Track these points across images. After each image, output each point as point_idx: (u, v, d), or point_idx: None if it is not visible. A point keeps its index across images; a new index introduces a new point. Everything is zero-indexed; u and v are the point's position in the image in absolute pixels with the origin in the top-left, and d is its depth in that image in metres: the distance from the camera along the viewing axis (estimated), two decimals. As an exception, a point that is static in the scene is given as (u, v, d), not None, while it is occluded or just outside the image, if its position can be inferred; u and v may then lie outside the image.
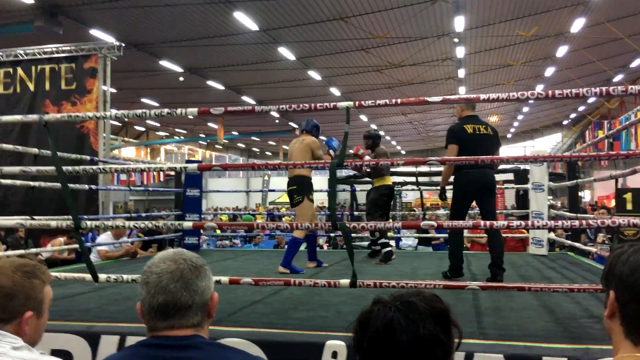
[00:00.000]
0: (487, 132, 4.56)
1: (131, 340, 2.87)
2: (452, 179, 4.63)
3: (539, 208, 6.66)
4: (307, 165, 3.76)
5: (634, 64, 21.02)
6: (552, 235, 6.77)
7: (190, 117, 20.00)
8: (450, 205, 4.59)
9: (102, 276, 3.48)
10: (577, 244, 6.54)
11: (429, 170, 9.93)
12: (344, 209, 20.32)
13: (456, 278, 4.41)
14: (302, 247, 5.73)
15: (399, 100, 3.02)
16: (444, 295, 3.59)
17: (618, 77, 22.91)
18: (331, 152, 5.65)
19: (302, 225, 3.23)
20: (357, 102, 3.00)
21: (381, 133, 34.28)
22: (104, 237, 6.70)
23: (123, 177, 21.74)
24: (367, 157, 5.98)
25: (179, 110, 3.26)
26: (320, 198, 33.32)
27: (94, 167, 3.81)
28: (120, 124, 32.41)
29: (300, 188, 5.41)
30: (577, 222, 2.87)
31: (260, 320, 3.13)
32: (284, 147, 40.16)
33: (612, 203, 22.68)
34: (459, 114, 4.69)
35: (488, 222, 2.89)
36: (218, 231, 12.51)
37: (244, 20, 14.12)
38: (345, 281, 3.08)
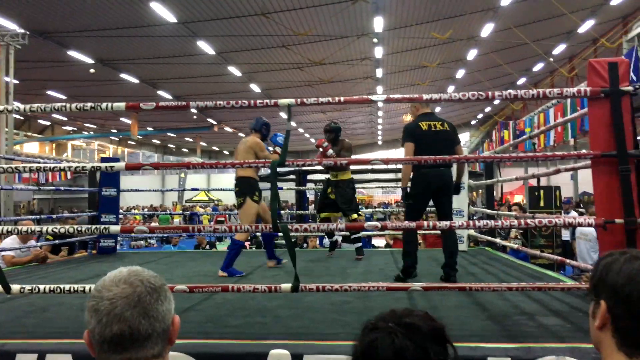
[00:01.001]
0: (444, 128, 4.44)
1: (51, 359, 2.61)
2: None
3: (460, 205, 6.87)
4: (246, 165, 3.59)
5: (536, 68, 22.47)
6: (472, 231, 7.02)
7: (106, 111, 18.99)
8: (406, 206, 4.45)
9: (15, 287, 3.14)
10: (495, 240, 6.82)
11: (357, 168, 9.99)
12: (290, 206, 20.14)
13: (409, 279, 4.33)
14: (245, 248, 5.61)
15: (342, 99, 2.95)
16: (381, 295, 3.54)
17: (522, 80, 24.39)
18: (277, 148, 5.55)
19: (242, 227, 3.07)
20: (299, 100, 2.89)
21: (300, 130, 34.31)
22: (9, 242, 6.14)
23: (25, 175, 20.27)
24: (330, 151, 6.01)
25: (104, 105, 3.00)
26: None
27: (1, 165, 3.44)
28: (22, 118, 30.23)
29: (241, 189, 5.26)
30: (515, 222, 2.95)
31: (195, 330, 2.94)
32: (202, 143, 39.28)
33: (515, 199, 24.17)
34: (414, 113, 4.60)
35: (431, 223, 2.90)
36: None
37: (161, 11, 13.57)
38: (287, 285, 2.97)
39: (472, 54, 19.28)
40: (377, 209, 17.15)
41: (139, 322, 1.11)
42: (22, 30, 9.00)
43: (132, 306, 1.11)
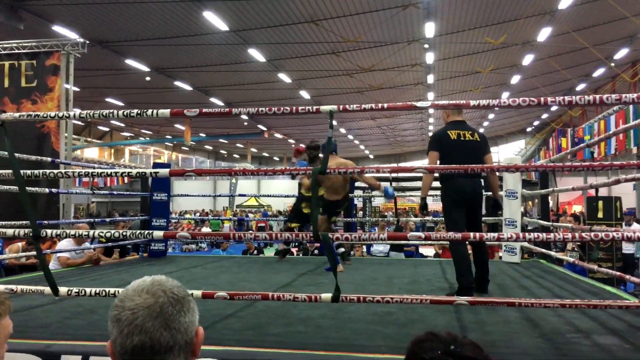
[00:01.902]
0: (474, 138, 4.31)
1: (95, 361, 2.65)
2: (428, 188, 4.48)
3: (512, 216, 6.63)
4: (287, 172, 3.57)
5: (596, 73, 21.58)
6: (526, 243, 6.75)
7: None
8: (445, 218, 4.30)
9: (63, 289, 3.22)
10: (550, 252, 6.53)
11: (403, 176, 9.86)
12: None
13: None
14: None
15: (385, 105, 2.88)
16: (425, 307, 3.43)
17: (581, 86, 23.48)
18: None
19: (281, 235, 3.04)
20: (341, 106, 2.84)
21: (350, 137, 34.21)
22: (65, 243, 6.36)
23: (85, 179, 21.08)
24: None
25: (149, 111, 3.04)
26: (289, 202, 33.21)
27: (57, 171, 3.55)
28: (82, 124, 31.56)
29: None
30: (569, 235, 2.78)
31: (234, 338, 2.93)
32: (252, 149, 39.83)
33: (573, 209, 23.24)
34: (445, 119, 4.51)
35: (477, 234, 2.77)
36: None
37: (214, 20, 13.85)
38: (327, 295, 2.92)
39: (527, 59, 18.70)
40: (427, 218, 16.83)
41: (160, 334, 1.07)
42: (82, 40, 9.33)
43: (153, 317, 1.08)
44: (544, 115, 30.82)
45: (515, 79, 21.59)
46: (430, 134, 34.68)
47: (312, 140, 6.52)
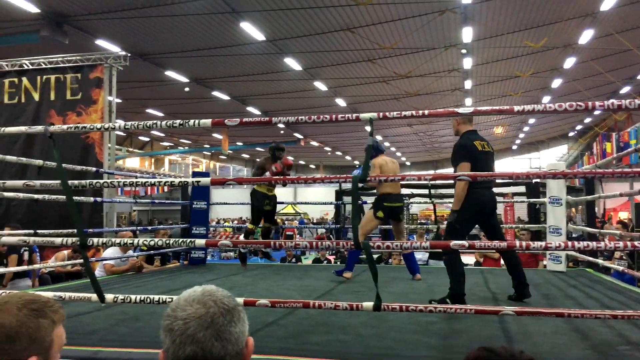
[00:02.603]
0: (490, 149, 4.39)
1: (140, 368, 2.69)
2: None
3: (557, 223, 6.46)
4: (327, 180, 3.55)
5: (642, 76, 20.88)
6: (572, 252, 6.55)
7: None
8: (455, 225, 4.18)
9: (109, 296, 3.29)
10: (597, 260, 6.32)
11: (441, 183, 9.72)
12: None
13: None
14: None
15: (426, 112, 2.84)
16: (469, 317, 3.36)
17: (625, 89, 22.74)
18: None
19: (324, 244, 3.03)
20: (381, 114, 2.82)
21: (387, 144, 34.01)
22: (110, 251, 6.52)
23: (127, 187, 21.60)
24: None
25: (191, 122, 3.09)
26: (325, 209, 33.21)
27: (103, 181, 3.64)
28: (124, 134, 32.37)
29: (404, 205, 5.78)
30: (620, 244, 2.67)
31: (276, 345, 2.93)
32: (289, 157, 40.01)
33: (620, 216, 22.46)
34: (456, 127, 4.45)
35: (535, 243, 2.68)
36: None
37: (251, 30, 14.03)
38: (369, 304, 2.89)
39: (569, 62, 18.23)
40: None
41: (212, 344, 1.08)
42: (124, 53, 9.59)
43: (205, 327, 1.09)
44: (587, 119, 29.99)
45: (556, 83, 21.08)
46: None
47: (277, 143, 6.65)
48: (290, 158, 6.19)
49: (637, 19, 14.88)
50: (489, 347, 1.02)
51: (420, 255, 9.79)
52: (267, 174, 6.01)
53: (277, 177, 5.42)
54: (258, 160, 6.93)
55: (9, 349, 1.19)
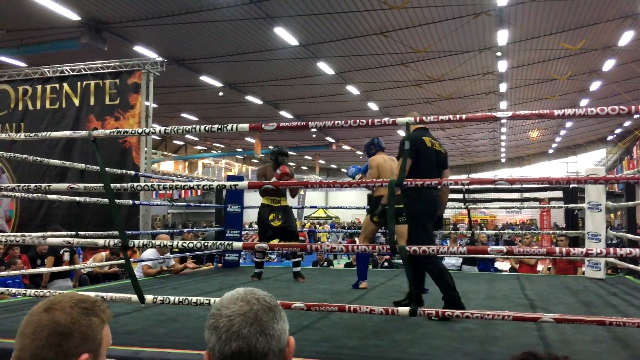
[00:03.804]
0: (441, 150, 4.19)
1: (178, 368, 2.74)
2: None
3: (596, 229, 6.30)
4: (364, 184, 3.54)
5: (685, 78, 20.21)
6: (611, 259, 6.38)
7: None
8: (416, 229, 3.98)
9: (149, 297, 3.36)
10: (637, 268, 6.13)
11: (475, 187, 9.59)
12: None
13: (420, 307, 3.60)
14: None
15: (463, 116, 2.82)
16: (506, 324, 3.30)
17: (667, 92, 22.04)
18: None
19: (360, 247, 3.04)
20: (417, 117, 2.81)
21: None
22: (149, 253, 6.66)
23: (161, 191, 21.99)
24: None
25: (229, 126, 3.14)
26: (357, 214, 33.13)
27: (143, 184, 3.73)
28: (159, 139, 32.99)
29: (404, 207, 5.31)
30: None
31: (312, 349, 2.95)
32: (320, 161, 40.15)
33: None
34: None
35: (576, 249, 2.63)
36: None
37: (284, 35, 14.15)
38: (405, 309, 2.88)
39: (608, 65, 17.77)
40: (506, 231, 16.33)
41: (257, 340, 1.11)
42: (160, 59, 9.79)
43: (249, 323, 1.12)
44: (627, 123, 29.16)
45: (595, 86, 20.58)
46: (504, 144, 33.69)
47: (280, 147, 6.50)
48: (290, 164, 6.03)
49: (680, 20, 14.42)
50: (534, 352, 1.02)
51: (454, 261, 9.69)
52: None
53: (304, 181, 5.34)
54: (257, 168, 6.75)
55: (64, 346, 1.24)
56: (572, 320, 2.63)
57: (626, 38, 15.07)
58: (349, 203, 31.67)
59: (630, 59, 17.31)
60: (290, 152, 37.70)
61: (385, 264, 9.93)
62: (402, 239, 5.07)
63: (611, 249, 2.53)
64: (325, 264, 11.14)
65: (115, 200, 4.29)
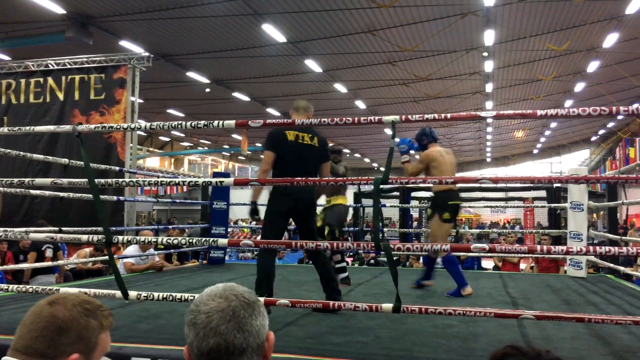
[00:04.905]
0: (312, 143, 4.02)
1: (162, 364, 2.74)
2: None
3: (578, 228, 6.39)
4: (350, 182, 3.55)
5: (667, 80, 20.52)
6: (592, 257, 6.48)
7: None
8: (265, 225, 4.07)
9: (133, 293, 3.35)
10: (618, 267, 6.24)
11: (461, 186, 9.67)
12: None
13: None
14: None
15: (448, 115, 2.85)
16: (488, 321, 3.35)
17: (650, 94, 22.37)
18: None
19: (343, 245, 3.05)
20: (403, 116, 2.84)
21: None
22: (131, 249, 6.62)
23: (147, 186, 21.85)
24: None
25: (215, 123, 3.14)
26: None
27: (128, 180, 3.71)
28: (145, 134, 32.76)
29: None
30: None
31: (295, 345, 2.96)
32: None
33: (642, 222, 22.08)
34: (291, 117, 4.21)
35: (557, 247, 2.67)
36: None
37: (272, 32, 14.12)
38: (388, 306, 2.90)
39: (592, 66, 17.99)
40: (491, 230, 16.50)
41: (234, 336, 1.12)
42: (147, 54, 9.73)
43: (227, 320, 1.13)
44: (610, 124, 29.55)
45: (579, 87, 20.82)
46: (489, 143, 33.97)
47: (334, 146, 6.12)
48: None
49: (663, 23, 14.64)
50: (516, 345, 1.04)
51: (439, 259, 9.74)
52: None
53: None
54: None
55: (57, 341, 1.24)
56: (552, 317, 2.68)
57: (611, 40, 15.26)
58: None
59: (614, 61, 17.55)
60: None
61: (372, 261, 9.98)
62: (433, 238, 5.01)
63: (590, 248, 2.57)
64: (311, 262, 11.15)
65: (100, 196, 4.26)
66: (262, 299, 1.23)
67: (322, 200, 4.73)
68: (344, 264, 5.65)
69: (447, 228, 4.97)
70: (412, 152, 5.14)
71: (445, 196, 4.85)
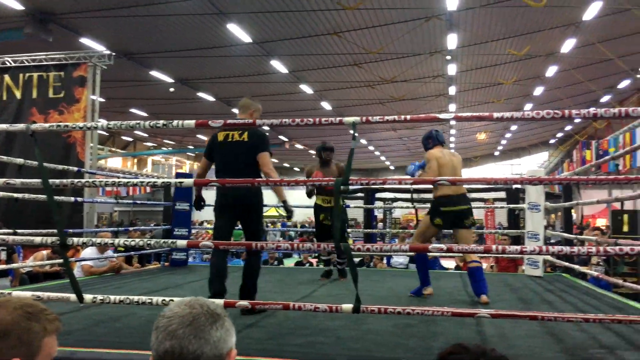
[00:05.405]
0: (241, 139, 3.95)
1: (118, 368, 2.69)
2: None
3: (535, 228, 6.56)
4: (309, 184, 3.53)
5: (622, 85, 21.27)
6: (549, 257, 6.66)
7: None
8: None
9: (88, 297, 3.28)
10: (573, 266, 6.43)
11: (424, 187, 9.80)
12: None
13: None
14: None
15: (408, 117, 2.89)
16: (446, 320, 3.40)
17: (606, 98, 23.12)
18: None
19: (303, 246, 3.05)
20: (364, 118, 2.86)
21: (371, 148, 34.17)
22: (89, 251, 6.46)
23: (108, 187, 21.40)
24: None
25: (175, 122, 3.10)
26: (309, 213, 33.17)
27: (84, 180, 3.63)
28: (107, 134, 32.09)
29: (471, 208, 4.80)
30: (593, 249, 2.74)
31: (256, 347, 2.95)
32: (273, 160, 39.98)
33: (597, 222, 22.83)
34: None
35: (511, 247, 2.73)
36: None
37: (238, 32, 14.03)
38: (348, 306, 2.92)
39: (551, 71, 18.51)
40: (451, 230, 16.71)
41: (189, 341, 1.12)
42: (108, 52, 9.54)
43: (185, 325, 1.14)
44: (568, 127, 30.43)
45: (538, 91, 21.38)
46: (453, 145, 34.51)
47: (324, 142, 6.18)
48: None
49: (618, 29, 15.16)
50: (463, 344, 1.06)
51: (402, 259, 9.87)
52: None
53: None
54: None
55: None
56: (506, 316, 2.74)
57: (568, 45, 15.73)
58: (302, 202, 31.62)
59: (572, 66, 18.07)
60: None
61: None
62: (416, 234, 4.98)
63: (544, 247, 2.64)
64: (276, 262, 11.12)
65: (57, 197, 4.15)
66: (227, 313, 1.23)
67: (273, 199, 4.63)
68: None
69: (434, 231, 4.93)
70: (420, 171, 5.07)
71: (438, 202, 4.72)
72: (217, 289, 3.83)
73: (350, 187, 3.00)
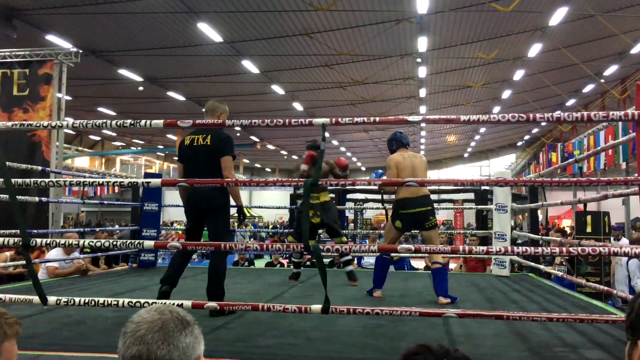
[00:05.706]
0: (205, 142, 3.95)
1: (83, 373, 2.63)
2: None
3: (502, 229, 6.68)
4: (281, 184, 3.50)
5: (586, 89, 21.85)
6: (515, 257, 6.79)
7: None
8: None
9: (52, 299, 3.20)
10: (538, 266, 6.57)
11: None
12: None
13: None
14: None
15: (377, 119, 2.91)
16: (415, 320, 3.43)
17: (571, 102, 23.73)
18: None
19: (272, 246, 3.04)
20: (333, 119, 2.87)
21: (342, 149, 34.27)
22: (54, 253, 6.31)
23: (75, 187, 20.96)
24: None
25: (143, 122, 3.05)
26: (280, 213, 33.10)
27: (47, 180, 3.55)
28: (74, 133, 31.44)
29: (433, 209, 4.82)
30: (556, 250, 2.80)
31: (225, 349, 2.92)
32: (244, 160, 39.79)
33: (563, 223, 23.37)
34: None
35: (467, 248, 2.78)
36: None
37: (208, 31, 13.91)
38: (317, 307, 2.92)
39: (518, 75, 18.92)
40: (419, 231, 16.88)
41: (157, 347, 1.11)
42: (75, 49, 9.34)
43: (154, 330, 1.12)
44: (535, 130, 31.11)
45: (506, 94, 21.82)
46: (423, 147, 34.92)
47: (314, 140, 6.02)
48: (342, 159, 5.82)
49: (583, 35, 15.58)
50: (427, 345, 1.07)
51: (373, 260, 9.90)
52: (294, 175, 5.68)
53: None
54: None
55: None
56: (473, 315, 2.78)
57: (535, 50, 16.10)
58: (273, 202, 31.55)
59: (538, 70, 18.49)
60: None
61: (308, 263, 9.99)
62: (371, 242, 5.00)
63: (509, 247, 2.69)
64: (246, 263, 11.06)
65: (21, 197, 4.05)
66: (196, 321, 1.22)
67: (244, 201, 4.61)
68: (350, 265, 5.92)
69: (396, 234, 4.91)
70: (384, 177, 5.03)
71: (397, 205, 4.74)
72: (167, 274, 4.01)
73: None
